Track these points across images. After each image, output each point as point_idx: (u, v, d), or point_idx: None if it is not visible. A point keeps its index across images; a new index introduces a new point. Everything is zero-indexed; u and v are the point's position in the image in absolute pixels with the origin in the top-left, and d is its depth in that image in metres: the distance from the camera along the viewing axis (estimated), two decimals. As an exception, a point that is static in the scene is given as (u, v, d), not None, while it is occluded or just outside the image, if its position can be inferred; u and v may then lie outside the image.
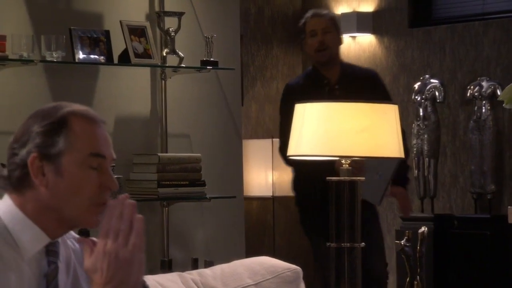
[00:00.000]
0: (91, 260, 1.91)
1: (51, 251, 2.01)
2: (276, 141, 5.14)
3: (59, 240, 2.04)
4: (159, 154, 4.39)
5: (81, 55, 4.17)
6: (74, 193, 1.95)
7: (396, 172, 4.38)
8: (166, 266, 4.30)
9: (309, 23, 4.42)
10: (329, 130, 2.94)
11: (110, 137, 2.03)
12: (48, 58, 4.05)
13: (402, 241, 2.95)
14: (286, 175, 5.11)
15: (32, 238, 1.98)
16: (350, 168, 3.02)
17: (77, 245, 2.09)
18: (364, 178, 3.04)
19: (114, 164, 2.04)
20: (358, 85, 4.37)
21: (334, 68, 4.41)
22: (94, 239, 1.96)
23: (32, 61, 3.98)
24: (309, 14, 4.46)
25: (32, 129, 1.95)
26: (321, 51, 4.36)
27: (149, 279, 2.78)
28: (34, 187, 1.96)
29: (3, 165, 2.03)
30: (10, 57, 3.96)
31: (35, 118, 1.97)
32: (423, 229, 2.95)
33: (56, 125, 1.94)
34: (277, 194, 5.16)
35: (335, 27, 4.44)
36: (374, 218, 4.48)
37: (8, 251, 1.96)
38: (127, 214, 1.94)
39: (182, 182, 4.37)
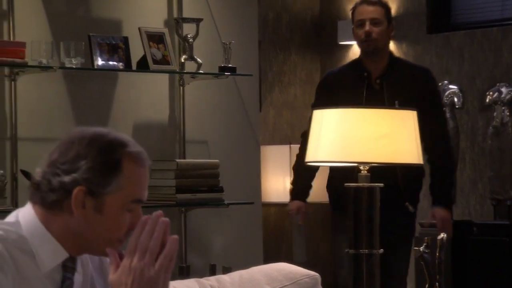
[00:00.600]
0: (116, 274, 1.91)
1: (68, 267, 2.02)
2: (294, 147, 5.13)
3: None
4: (177, 160, 4.39)
5: (100, 62, 4.18)
6: (107, 231, 1.97)
7: (437, 189, 4.16)
8: (184, 272, 4.30)
9: (357, 11, 4.16)
10: (347, 136, 2.94)
11: None
12: (67, 65, 4.07)
13: (421, 248, 2.94)
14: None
15: (51, 253, 1.98)
16: (368, 174, 3.01)
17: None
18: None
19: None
20: (406, 81, 4.14)
21: (381, 61, 4.16)
22: (122, 251, 1.96)
23: (51, 67, 4.00)
24: (358, 0, 4.20)
25: (84, 160, 1.93)
26: (367, 41, 4.12)
27: (167, 285, 2.77)
28: (67, 212, 1.96)
29: (25, 173, 2.03)
30: (30, 63, 3.97)
31: (90, 147, 1.94)
32: (442, 235, 2.94)
33: (111, 166, 1.93)
34: (295, 200, 5.15)
35: (385, 16, 4.15)
36: (406, 247, 4.18)
37: (25, 261, 1.96)
38: (158, 232, 1.93)
39: (200, 188, 4.37)
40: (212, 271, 4.28)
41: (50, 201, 1.96)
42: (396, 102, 4.02)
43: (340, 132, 2.96)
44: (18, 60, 3.93)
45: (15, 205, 3.86)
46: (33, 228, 1.98)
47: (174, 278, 3.49)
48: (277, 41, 5.80)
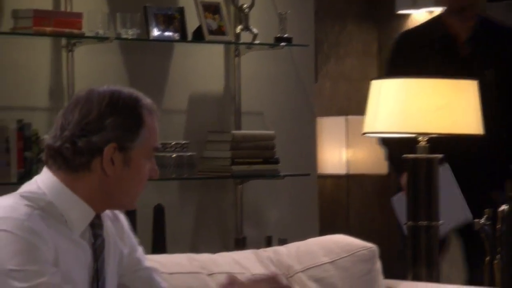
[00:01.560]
0: None
1: (96, 224, 2.04)
2: (351, 118, 5.09)
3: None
4: (232, 131, 4.38)
5: (155, 33, 4.17)
6: (135, 183, 2.02)
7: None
8: (240, 244, 4.30)
9: None
10: (406, 107, 2.90)
11: None
12: (123, 36, 4.07)
13: (481, 220, 2.89)
14: (360, 153, 5.06)
15: (81, 214, 2.01)
16: (427, 145, 2.97)
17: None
18: None
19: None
20: (498, 45, 3.58)
21: (468, 22, 3.58)
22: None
23: (107, 38, 4.00)
24: None
25: (110, 118, 1.97)
26: None
27: (224, 256, 2.78)
28: (92, 172, 1.99)
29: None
30: (86, 34, 3.98)
31: (111, 105, 1.99)
32: (503, 207, 2.89)
33: (135, 120, 2.00)
34: (351, 172, 5.12)
35: None
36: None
37: (59, 227, 1.98)
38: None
39: (255, 160, 4.36)
40: (268, 243, 4.28)
41: (77, 163, 1.98)
42: (487, 72, 3.55)
43: (399, 103, 2.92)
44: (75, 31, 3.94)
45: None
46: (59, 193, 1.99)
47: (230, 249, 3.49)
48: (333, 11, 5.74)
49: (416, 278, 2.99)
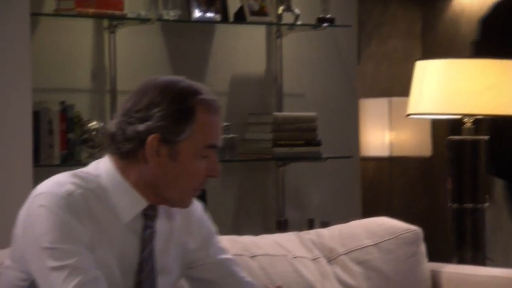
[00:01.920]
0: None
1: (148, 215, 2.01)
2: (394, 100, 5.03)
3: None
4: (274, 113, 4.36)
5: (197, 14, 4.16)
6: (183, 179, 1.97)
7: None
8: (282, 227, 4.28)
9: None
10: (452, 88, 2.85)
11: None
12: (165, 17, 4.06)
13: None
14: (403, 135, 5.01)
15: (130, 203, 1.98)
16: (472, 126, 2.93)
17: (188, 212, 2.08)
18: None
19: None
20: None
21: None
22: None
23: (149, 19, 3.99)
24: None
25: (157, 107, 1.94)
26: None
27: (267, 238, 2.76)
28: (142, 161, 1.97)
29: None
30: (128, 16, 3.98)
31: (163, 95, 1.95)
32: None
33: (184, 114, 1.94)
34: (394, 154, 5.07)
35: None
36: None
37: (104, 211, 1.97)
38: None
39: (297, 142, 4.33)
40: (310, 225, 4.26)
41: (126, 151, 1.97)
42: None
43: (444, 84, 2.88)
44: (117, 13, 3.94)
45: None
46: (112, 179, 1.98)
47: (271, 232, 3.48)
48: (375, -9, 5.67)
49: (462, 261, 2.95)
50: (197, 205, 2.15)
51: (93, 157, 3.75)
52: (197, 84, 1.98)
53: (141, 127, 1.94)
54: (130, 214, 1.98)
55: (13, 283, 1.98)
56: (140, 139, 1.94)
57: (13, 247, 2.00)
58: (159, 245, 2.02)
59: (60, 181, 1.95)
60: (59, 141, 3.74)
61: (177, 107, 1.94)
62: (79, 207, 1.93)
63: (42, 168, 3.59)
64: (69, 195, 1.93)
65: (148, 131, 1.93)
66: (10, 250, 2.03)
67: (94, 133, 3.81)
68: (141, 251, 2.00)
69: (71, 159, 3.76)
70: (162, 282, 2.04)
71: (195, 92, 1.96)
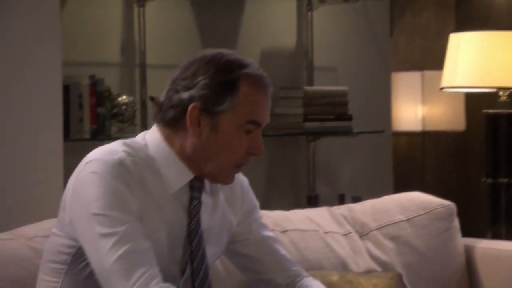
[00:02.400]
0: None
1: (195, 187, 2.00)
2: (427, 73, 4.98)
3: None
4: (305, 87, 4.32)
5: (227, -13, 4.12)
6: (222, 152, 1.95)
7: None
8: (313, 202, 4.25)
9: None
10: (487, 60, 2.80)
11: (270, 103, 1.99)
12: (195, -10, 4.03)
13: None
14: (436, 110, 4.95)
15: (177, 173, 1.98)
16: (508, 100, 2.87)
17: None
18: None
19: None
20: None
21: None
22: None
23: (178, -7, 3.96)
24: None
25: (202, 76, 1.93)
26: None
27: (298, 213, 2.74)
28: (182, 130, 1.97)
29: (153, 99, 2.02)
30: (157, -11, 3.95)
31: (209, 65, 1.94)
32: None
33: (227, 85, 1.93)
34: (427, 129, 5.01)
35: None
36: None
37: (153, 181, 1.96)
38: None
39: (328, 117, 4.29)
40: (341, 201, 4.22)
41: (169, 118, 1.97)
42: None
43: (479, 57, 2.83)
44: (146, -14, 3.91)
45: (144, 131, 3.88)
46: (159, 148, 1.98)
47: (302, 207, 3.45)
48: (408, -37, 5.60)
49: (496, 236, 2.91)
50: (242, 179, 2.14)
51: (123, 131, 3.74)
52: (245, 59, 1.98)
53: (185, 95, 1.94)
54: (176, 184, 1.98)
55: (58, 250, 1.98)
56: (183, 106, 1.94)
57: (60, 215, 2.00)
58: (205, 217, 2.01)
59: (112, 149, 1.95)
60: (89, 116, 3.73)
61: (220, 77, 1.93)
62: (130, 176, 1.92)
63: (72, 142, 3.58)
64: (121, 163, 1.92)
65: (190, 99, 1.93)
66: (56, 220, 2.02)
67: (124, 107, 3.79)
68: (188, 222, 1.98)
69: (101, 134, 3.75)
70: (209, 253, 2.03)
71: (241, 66, 1.95)
